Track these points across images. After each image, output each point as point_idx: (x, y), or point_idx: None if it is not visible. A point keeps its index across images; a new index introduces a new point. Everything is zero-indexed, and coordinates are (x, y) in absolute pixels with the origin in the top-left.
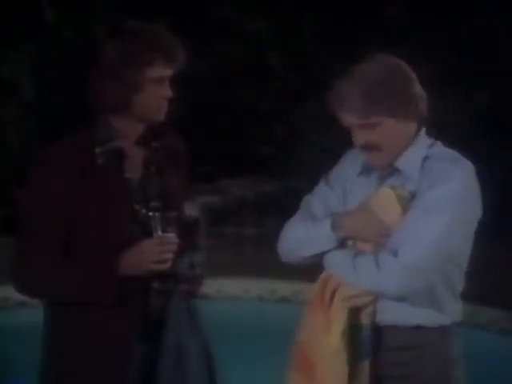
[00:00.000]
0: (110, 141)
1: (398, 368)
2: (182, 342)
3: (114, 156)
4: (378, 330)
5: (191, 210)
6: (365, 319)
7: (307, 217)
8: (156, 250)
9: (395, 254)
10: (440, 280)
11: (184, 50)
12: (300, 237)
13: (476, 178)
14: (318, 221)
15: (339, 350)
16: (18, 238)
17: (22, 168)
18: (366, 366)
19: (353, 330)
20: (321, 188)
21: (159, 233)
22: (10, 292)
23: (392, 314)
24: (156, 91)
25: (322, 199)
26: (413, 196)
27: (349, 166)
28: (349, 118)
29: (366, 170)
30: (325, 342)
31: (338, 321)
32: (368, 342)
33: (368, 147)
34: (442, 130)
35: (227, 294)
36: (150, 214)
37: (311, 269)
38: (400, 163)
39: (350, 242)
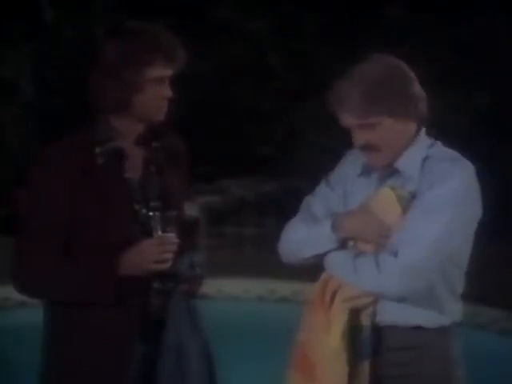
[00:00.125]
0: (110, 141)
1: (398, 368)
2: (181, 342)
3: (113, 156)
4: (378, 331)
5: (191, 209)
6: (365, 320)
7: (308, 217)
8: (156, 250)
9: (395, 254)
10: (440, 280)
11: (184, 50)
12: (300, 237)
13: (476, 177)
14: (319, 221)
15: (339, 350)
16: (18, 238)
17: (22, 168)
18: (366, 367)
19: (353, 331)
20: (321, 189)
21: (159, 233)
22: (10, 292)
23: (392, 314)
24: (156, 91)
25: (322, 200)
26: (413, 196)
27: (349, 166)
28: (348, 119)
29: (367, 171)
30: (325, 342)
31: (339, 321)
32: (368, 342)
33: (368, 147)
34: (442, 130)
35: (227, 293)
36: (150, 213)
37: (311, 269)
38: (400, 164)
39: (350, 243)
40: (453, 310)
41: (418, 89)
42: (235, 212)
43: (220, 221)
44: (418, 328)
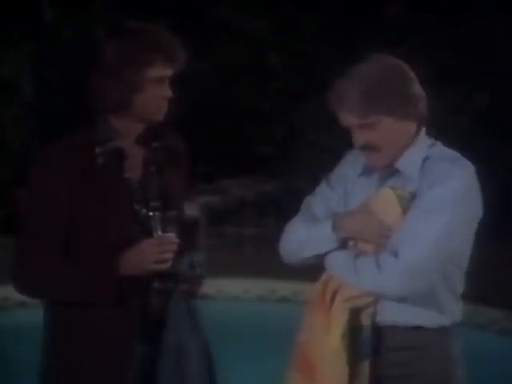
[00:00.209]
0: (110, 141)
1: (398, 368)
2: (181, 342)
3: (113, 156)
4: (378, 331)
5: (191, 209)
6: (365, 320)
7: (308, 218)
8: (156, 250)
9: (396, 254)
10: (440, 280)
11: (184, 50)
12: (301, 238)
13: (476, 177)
14: (319, 222)
15: (339, 350)
16: (18, 238)
17: (22, 168)
18: (366, 367)
19: (353, 331)
20: (322, 189)
21: (159, 233)
22: (10, 292)
23: (392, 314)
24: (156, 91)
25: (323, 200)
26: (413, 196)
27: (350, 166)
28: (348, 118)
29: (367, 171)
30: (325, 342)
31: (339, 321)
32: (368, 342)
33: (367, 147)
34: (442, 130)
35: (227, 293)
36: (150, 213)
37: (311, 269)
38: (400, 164)
39: (351, 243)
40: (453, 310)
41: (418, 89)
42: (235, 212)
43: (220, 221)
44: (419, 328)
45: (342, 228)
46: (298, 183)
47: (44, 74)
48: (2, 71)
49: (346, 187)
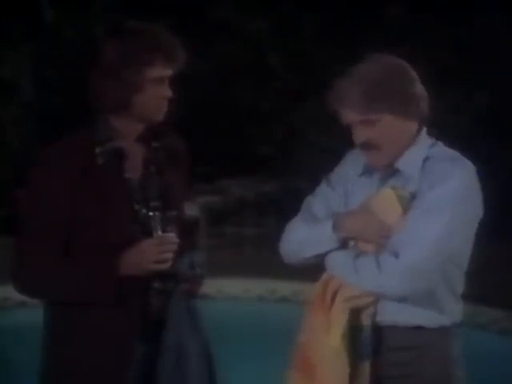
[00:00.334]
0: (110, 141)
1: (398, 368)
2: (182, 341)
3: (114, 156)
4: (378, 331)
5: (191, 209)
6: (365, 319)
7: (309, 217)
8: (156, 250)
9: (396, 254)
10: (440, 280)
11: (184, 50)
12: (302, 238)
13: (477, 177)
14: (320, 221)
15: (340, 350)
16: (18, 238)
17: (22, 168)
18: (366, 367)
19: (353, 331)
20: (322, 189)
21: (159, 233)
22: (10, 292)
23: (392, 314)
24: (156, 91)
25: (323, 200)
26: (413, 196)
27: (350, 166)
28: (349, 115)
29: (368, 171)
30: (325, 342)
31: (339, 321)
32: (368, 342)
33: (368, 145)
34: (442, 129)
35: (227, 293)
36: (150, 213)
37: (311, 269)
38: (401, 164)
39: (351, 243)
40: (453, 310)
41: (419, 88)
42: (235, 212)
43: (220, 221)
44: (419, 328)
45: (342, 228)
46: (298, 183)
47: (44, 74)
48: (2, 71)
49: (346, 187)
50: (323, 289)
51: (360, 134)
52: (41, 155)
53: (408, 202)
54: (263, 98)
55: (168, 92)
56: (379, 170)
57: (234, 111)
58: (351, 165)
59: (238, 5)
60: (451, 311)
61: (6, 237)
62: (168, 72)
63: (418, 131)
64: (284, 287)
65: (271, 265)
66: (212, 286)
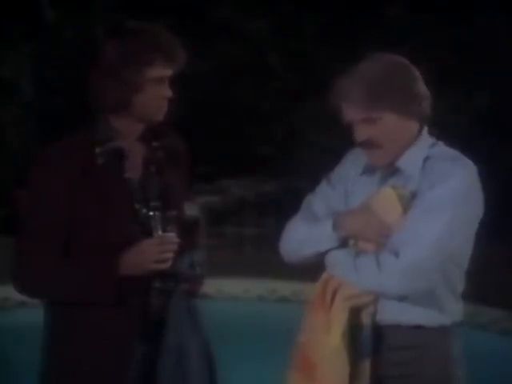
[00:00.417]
0: (110, 141)
1: (398, 367)
2: (182, 341)
3: (114, 156)
4: (378, 330)
5: (191, 209)
6: (365, 319)
7: (309, 216)
8: (156, 250)
9: (396, 254)
10: (441, 280)
11: (184, 50)
12: (302, 237)
13: (478, 177)
14: (320, 221)
15: (340, 349)
16: (18, 238)
17: (22, 168)
18: (366, 366)
19: (353, 330)
20: (323, 188)
21: (159, 232)
22: (10, 292)
23: (393, 313)
24: (156, 91)
25: (323, 199)
26: (414, 196)
27: (351, 166)
28: (350, 112)
29: (368, 170)
30: (325, 342)
31: (339, 321)
32: (368, 341)
33: (369, 144)
34: (442, 129)
35: (227, 293)
36: (150, 213)
37: (311, 269)
38: (401, 163)
39: (351, 242)
40: (453, 310)
41: (422, 88)
42: (235, 212)
43: (220, 221)
44: (419, 327)
45: (342, 227)
46: (298, 183)
47: (44, 73)
48: (2, 71)
49: (346, 186)
50: (323, 288)
51: (361, 133)
52: (41, 155)
53: (408, 202)
54: (263, 98)
55: (168, 92)
56: (380, 169)
57: (234, 111)
58: (352, 164)
59: (238, 5)
60: (451, 311)
61: (6, 237)
62: (168, 72)
63: (419, 130)
64: (284, 287)
65: (271, 265)
66: (212, 286)
